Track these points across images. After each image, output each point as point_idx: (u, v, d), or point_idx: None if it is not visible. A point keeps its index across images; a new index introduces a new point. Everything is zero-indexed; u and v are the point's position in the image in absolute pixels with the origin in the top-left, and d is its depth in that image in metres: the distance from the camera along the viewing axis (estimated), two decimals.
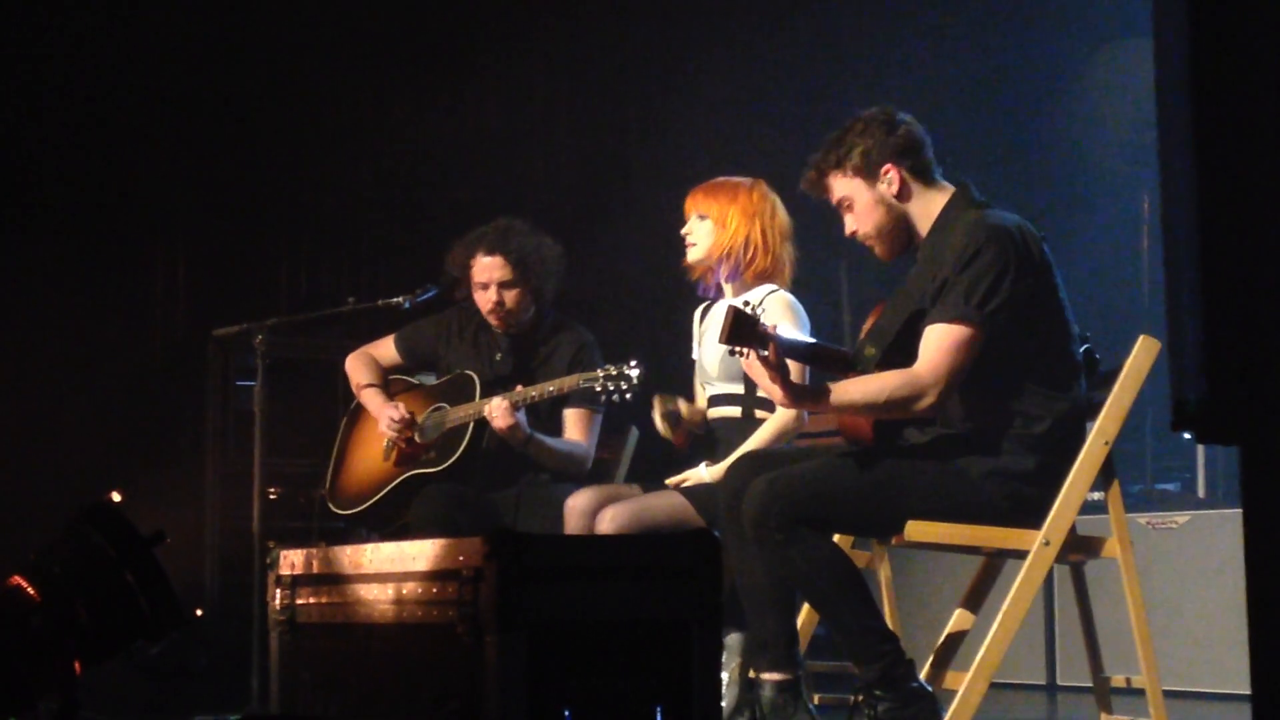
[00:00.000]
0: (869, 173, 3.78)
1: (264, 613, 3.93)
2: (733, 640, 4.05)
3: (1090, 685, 4.00)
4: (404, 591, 3.25)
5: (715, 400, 4.51)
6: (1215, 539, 5.20)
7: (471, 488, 4.75)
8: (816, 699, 3.91)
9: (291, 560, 3.71)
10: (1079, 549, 3.80)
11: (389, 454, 4.92)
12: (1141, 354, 3.71)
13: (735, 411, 4.46)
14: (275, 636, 3.75)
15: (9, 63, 6.49)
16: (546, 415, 4.84)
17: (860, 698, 3.60)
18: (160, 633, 3.44)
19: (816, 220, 4.57)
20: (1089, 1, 7.12)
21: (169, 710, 5.14)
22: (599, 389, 4.47)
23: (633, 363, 4.46)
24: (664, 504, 4.29)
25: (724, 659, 3.72)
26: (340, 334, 5.95)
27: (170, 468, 6.28)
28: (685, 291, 4.73)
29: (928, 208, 3.77)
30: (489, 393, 4.73)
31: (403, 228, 7.08)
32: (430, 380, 5.04)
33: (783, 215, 4.51)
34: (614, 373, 4.45)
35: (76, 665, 3.35)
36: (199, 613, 5.84)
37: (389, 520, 4.84)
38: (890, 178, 3.77)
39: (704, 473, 4.35)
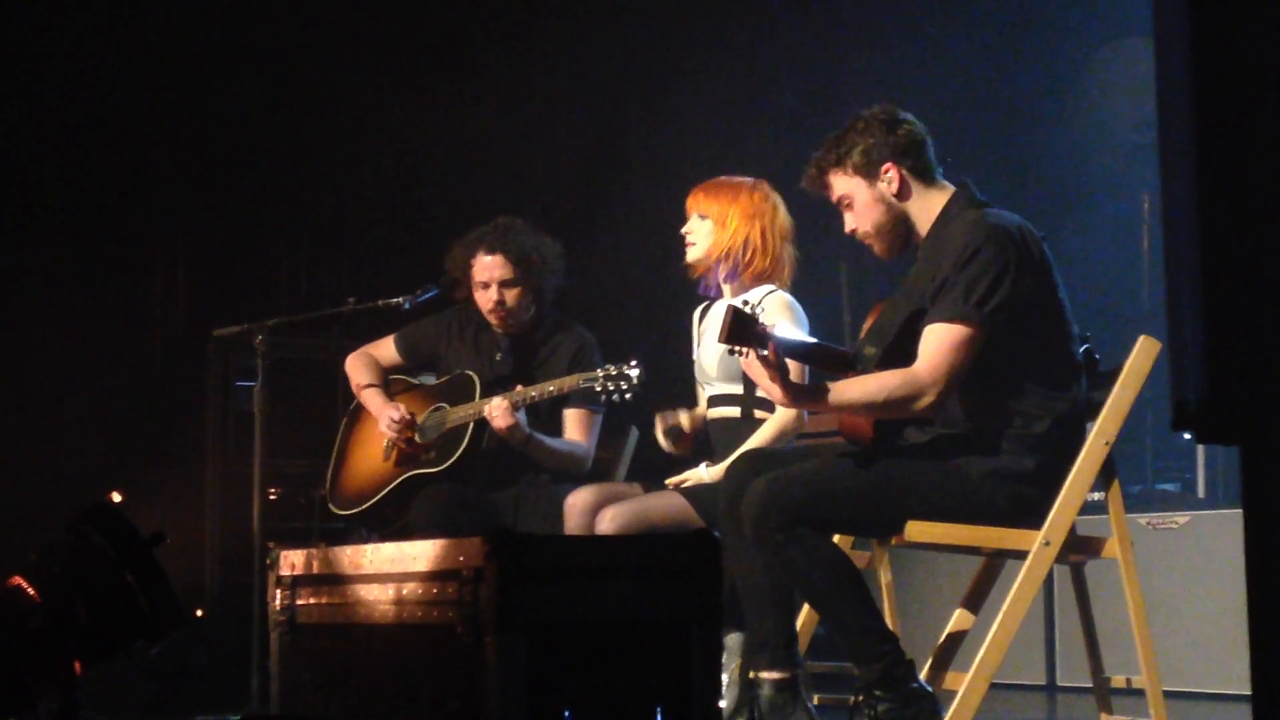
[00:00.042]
0: (869, 171, 3.78)
1: (264, 613, 3.93)
2: (732, 640, 4.05)
3: (1090, 686, 4.00)
4: (404, 592, 3.25)
5: (714, 400, 4.51)
6: (1215, 539, 5.20)
7: (471, 488, 4.75)
8: (816, 699, 3.91)
9: (292, 560, 3.71)
10: (1079, 549, 3.80)
11: (389, 454, 4.92)
12: (1141, 354, 3.71)
13: (734, 412, 4.46)
14: (275, 637, 3.75)
15: (9, 63, 6.49)
16: (547, 415, 4.84)
17: (860, 698, 3.60)
18: (160, 633, 3.44)
19: (817, 220, 4.58)
20: (1089, 1, 7.12)
21: (169, 710, 5.14)
22: (599, 389, 4.47)
23: (633, 363, 4.45)
24: (664, 504, 4.29)
25: (724, 659, 3.72)
26: (340, 334, 5.95)
27: (170, 468, 6.28)
28: (685, 291, 4.73)
29: (927, 207, 3.78)
30: (489, 393, 4.73)
31: (403, 228, 7.08)
32: (430, 380, 5.04)
33: (784, 217, 4.50)
34: (614, 373, 4.45)
35: (77, 665, 3.35)
36: (199, 613, 5.84)
37: (389, 521, 4.84)
38: (890, 177, 3.77)
39: (703, 473, 4.35)
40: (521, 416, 4.68)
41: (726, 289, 4.51)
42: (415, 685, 3.21)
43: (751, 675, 3.85)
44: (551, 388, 4.61)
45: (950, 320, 3.56)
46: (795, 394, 3.63)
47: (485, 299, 4.86)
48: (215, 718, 4.47)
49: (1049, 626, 5.66)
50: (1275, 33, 1.82)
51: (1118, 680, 3.94)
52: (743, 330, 3.51)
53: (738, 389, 4.45)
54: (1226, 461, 5.87)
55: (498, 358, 4.93)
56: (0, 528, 5.68)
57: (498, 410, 4.61)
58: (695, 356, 4.62)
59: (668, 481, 4.42)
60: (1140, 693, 3.78)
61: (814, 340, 3.80)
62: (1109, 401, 3.70)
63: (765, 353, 3.54)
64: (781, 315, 4.20)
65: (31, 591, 3.37)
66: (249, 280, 6.79)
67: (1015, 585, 3.65)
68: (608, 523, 4.22)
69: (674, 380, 5.07)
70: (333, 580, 3.53)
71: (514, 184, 7.04)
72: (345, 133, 7.10)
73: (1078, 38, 7.16)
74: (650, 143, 7.32)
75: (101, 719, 3.74)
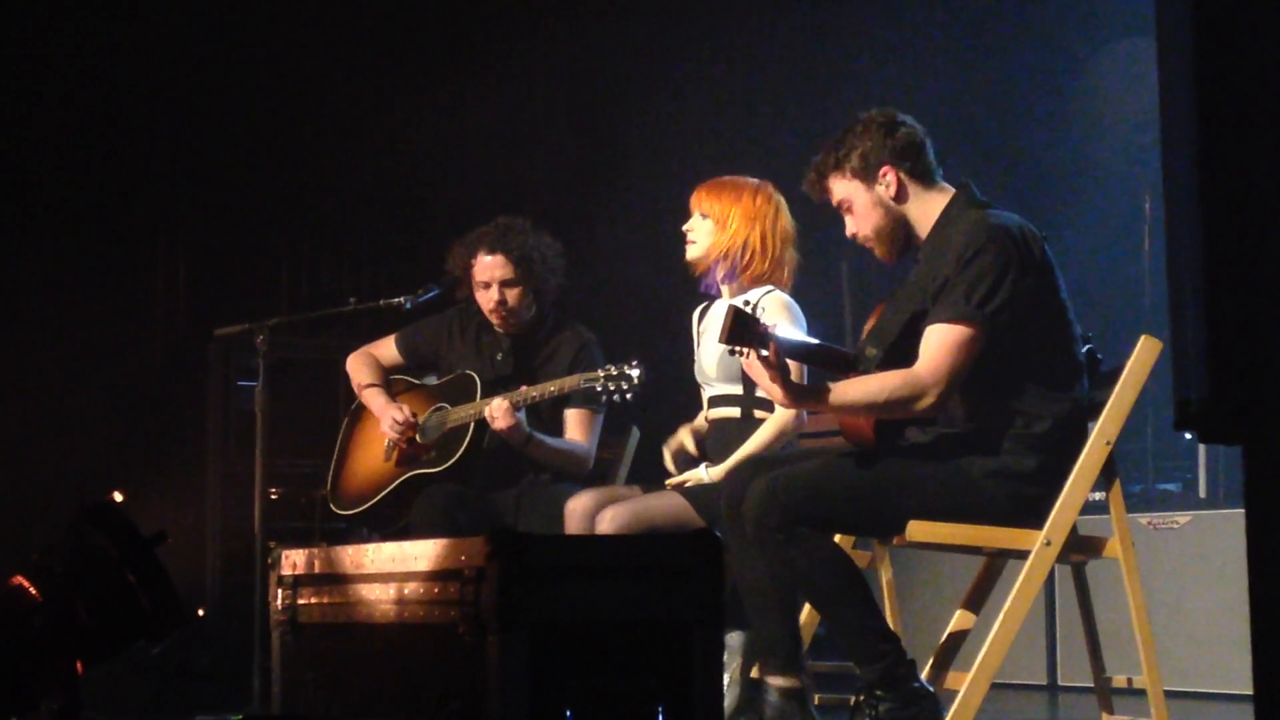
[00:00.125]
0: (867, 175, 3.78)
1: (265, 613, 3.93)
2: (734, 640, 4.05)
3: (1091, 685, 4.00)
4: (406, 591, 3.25)
5: (714, 401, 4.51)
6: (1216, 539, 5.20)
7: (472, 488, 4.75)
8: (817, 699, 3.91)
9: (293, 560, 3.71)
10: (1080, 549, 3.80)
11: (390, 454, 4.92)
12: (1143, 354, 3.71)
13: (734, 412, 4.46)
14: (277, 636, 3.75)
15: (9, 63, 6.49)
16: (548, 415, 4.84)
17: (861, 698, 3.60)
18: (162, 632, 3.44)
19: (819, 220, 4.58)
20: (1089, 1, 7.12)
21: (171, 710, 5.14)
22: (600, 389, 4.47)
23: (634, 363, 4.45)
24: (664, 504, 4.29)
25: (725, 659, 3.72)
26: (341, 334, 5.95)
27: (172, 468, 6.29)
28: (685, 291, 4.73)
29: (927, 209, 3.77)
30: (490, 393, 4.73)
31: (403, 228, 7.08)
32: (432, 381, 5.04)
33: (786, 219, 4.48)
34: (615, 373, 4.45)
35: (78, 665, 3.35)
36: (200, 613, 5.84)
37: (390, 521, 4.84)
38: (888, 180, 3.77)
39: (703, 473, 4.34)
40: (522, 417, 4.68)
41: (725, 289, 4.50)
42: (417, 685, 3.21)
43: (754, 676, 3.85)
44: (552, 388, 4.61)
45: (951, 321, 3.56)
46: (796, 394, 3.63)
47: (486, 299, 4.86)
48: (216, 717, 4.47)
49: (1050, 626, 5.67)
50: (1277, 33, 1.83)
51: (1119, 680, 3.94)
52: (743, 331, 3.51)
53: (737, 389, 4.44)
54: (1228, 461, 5.87)
55: (499, 358, 4.93)
56: (2, 527, 5.69)
57: (498, 411, 4.61)
58: (695, 357, 4.62)
59: (668, 482, 4.43)
60: (1141, 693, 3.78)
61: (815, 341, 3.80)
62: (1110, 401, 3.70)
63: (766, 353, 3.54)
64: (780, 315, 4.19)
65: (33, 591, 3.37)
66: (250, 280, 6.79)
67: (1016, 585, 3.65)
68: (607, 523, 4.22)
69: (674, 380, 5.07)
70: (334, 580, 3.54)
71: (514, 184, 7.04)
72: (345, 133, 7.10)
73: (1078, 38, 7.16)
74: (650, 142, 7.32)
75: (103, 719, 3.74)
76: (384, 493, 4.85)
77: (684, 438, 4.52)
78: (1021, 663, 5.54)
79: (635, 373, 4.43)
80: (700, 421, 4.58)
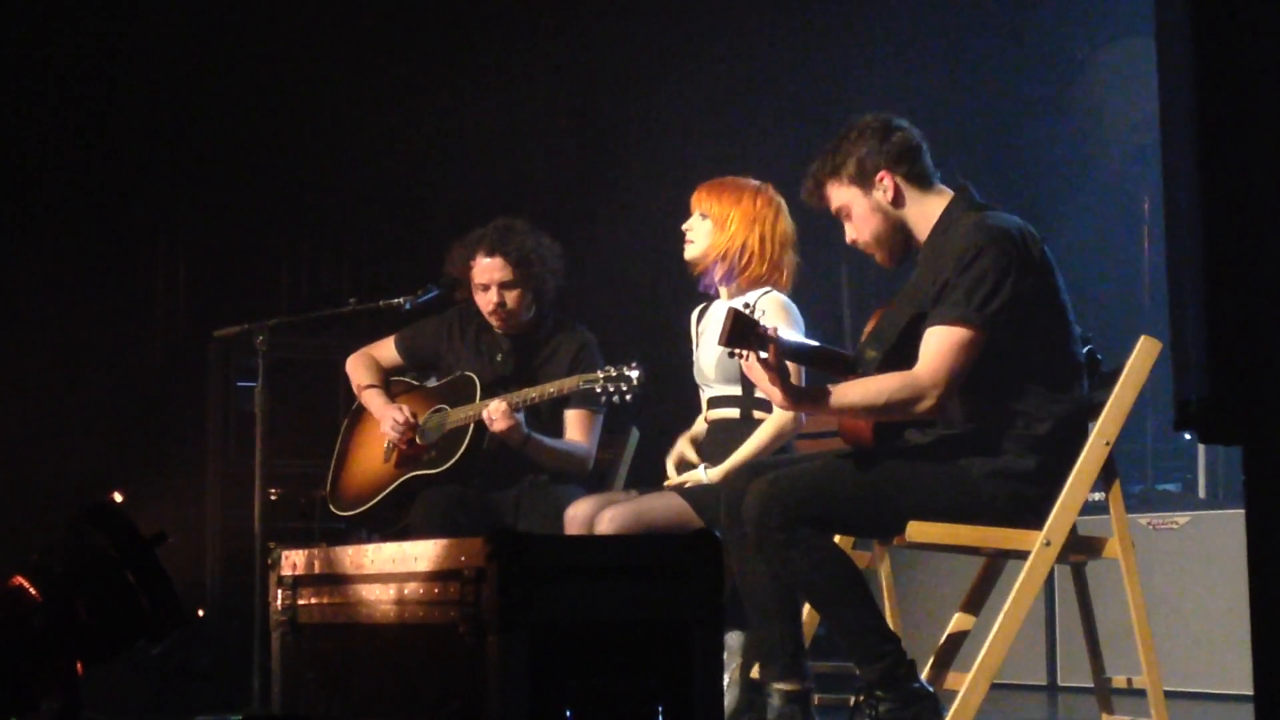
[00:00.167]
0: (864, 180, 3.78)
1: (265, 613, 3.93)
2: (734, 640, 4.05)
3: (1091, 686, 3.99)
4: (406, 592, 3.25)
5: (713, 402, 4.51)
6: (1216, 539, 5.20)
7: (472, 489, 4.75)
8: (817, 699, 3.91)
9: (293, 560, 3.72)
10: (1080, 549, 3.80)
11: (389, 455, 4.92)
12: (1142, 354, 3.71)
13: (734, 413, 4.46)
14: (277, 637, 3.75)
15: (9, 63, 6.49)
16: (547, 416, 4.84)
17: (861, 698, 3.60)
18: (162, 633, 3.44)
19: (820, 222, 4.57)
20: (1089, 2, 7.12)
21: (171, 710, 5.14)
22: (599, 390, 4.46)
23: (633, 364, 4.45)
24: (663, 505, 4.29)
25: (724, 659, 3.72)
26: (341, 334, 5.95)
27: (171, 468, 6.29)
28: (685, 291, 4.73)
29: (925, 213, 3.77)
30: (490, 394, 4.73)
31: (403, 228, 7.08)
32: (431, 382, 5.04)
33: (786, 222, 4.47)
34: (614, 374, 4.45)
35: (78, 665, 3.35)
36: (200, 613, 5.84)
37: (390, 522, 4.84)
38: (885, 185, 3.77)
39: (702, 474, 4.34)
40: (521, 418, 4.68)
41: (723, 290, 4.50)
42: (417, 685, 3.21)
43: (754, 678, 3.85)
44: (552, 389, 4.61)
45: (951, 323, 3.56)
46: (796, 396, 3.63)
47: (485, 301, 4.86)
48: (217, 718, 4.47)
49: (1050, 627, 5.66)
50: (1277, 32, 1.83)
51: (1119, 680, 3.94)
52: (743, 333, 3.51)
53: (736, 390, 4.44)
54: (1227, 462, 5.87)
55: (498, 358, 4.93)
56: (2, 527, 5.69)
57: (496, 413, 4.61)
58: (694, 358, 4.62)
59: (666, 483, 4.42)
60: (1141, 693, 3.78)
61: (814, 343, 3.79)
62: (1110, 402, 3.70)
63: (765, 355, 3.54)
64: (778, 316, 4.19)
65: (33, 591, 3.37)
66: (250, 280, 6.79)
67: (1016, 585, 3.65)
68: (606, 523, 4.22)
69: (674, 381, 5.07)
70: (334, 580, 3.54)
71: (514, 184, 7.05)
72: (345, 133, 7.10)
73: (1078, 38, 7.15)
74: (650, 142, 7.32)
75: (103, 719, 3.74)
76: (384, 494, 4.85)
77: (684, 449, 4.52)
78: (1021, 663, 5.54)
79: (635, 373, 4.43)
80: (699, 428, 4.58)
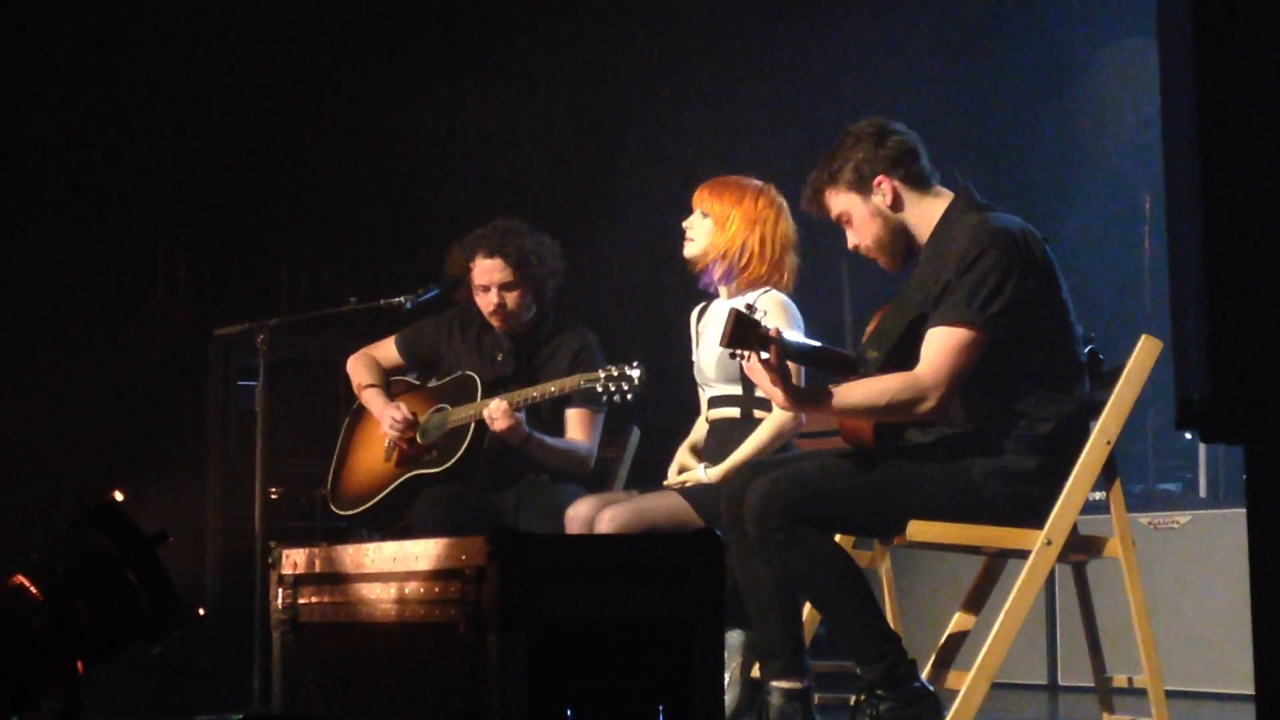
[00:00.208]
0: (862, 186, 3.78)
1: (266, 612, 3.93)
2: (734, 639, 4.05)
3: (1092, 685, 3.99)
4: (406, 591, 3.25)
5: (714, 401, 4.50)
6: (1217, 539, 5.20)
7: (473, 488, 4.75)
8: (817, 698, 3.91)
9: (294, 560, 3.71)
10: (1081, 549, 3.80)
11: (390, 455, 4.92)
12: (1143, 354, 3.71)
13: (734, 412, 4.45)
14: (277, 636, 3.75)
15: (9, 63, 6.49)
16: (548, 415, 4.84)
17: (862, 697, 3.60)
18: (162, 632, 3.44)
19: (821, 224, 4.57)
20: (1091, 2, 7.12)
21: (171, 709, 5.14)
22: (600, 389, 4.46)
23: (634, 363, 4.45)
24: (663, 504, 4.29)
25: (725, 658, 3.71)
26: (342, 333, 5.95)
27: (172, 468, 6.29)
28: (684, 291, 4.72)
29: (925, 214, 3.77)
30: (491, 393, 4.73)
31: (403, 228, 7.08)
32: (432, 381, 5.04)
33: (787, 224, 4.46)
34: (615, 373, 4.44)
35: (79, 664, 3.35)
36: (201, 612, 5.84)
37: (390, 521, 4.84)
38: (883, 189, 3.77)
39: (702, 474, 4.34)
40: (521, 417, 4.68)
41: (722, 290, 4.50)
42: (417, 684, 3.21)
43: (755, 676, 3.85)
44: (553, 388, 4.61)
45: (953, 324, 3.56)
46: (797, 397, 3.63)
47: (485, 302, 4.86)
48: (217, 717, 4.47)
49: (1051, 626, 5.66)
50: (1278, 31, 1.83)
51: (1119, 680, 3.94)
52: (745, 334, 3.51)
53: (737, 390, 4.44)
54: (1228, 461, 5.87)
55: (499, 358, 4.93)
56: (2, 527, 5.69)
57: (497, 412, 4.61)
58: (694, 358, 4.61)
59: (667, 482, 4.42)
60: (1142, 692, 3.78)
61: (816, 343, 3.79)
62: (1110, 401, 3.70)
63: (767, 356, 3.54)
64: (777, 315, 4.19)
65: (34, 590, 3.37)
66: (250, 279, 6.79)
67: (1017, 585, 3.65)
68: (607, 522, 4.21)
69: (674, 380, 5.07)
70: (335, 579, 3.54)
71: (514, 184, 7.05)
72: (345, 133, 7.10)
73: (1078, 37, 7.16)
74: (650, 142, 7.32)
75: (104, 718, 3.74)
76: (384, 493, 4.86)
77: (685, 458, 4.52)
78: (1022, 662, 5.54)
79: (636, 373, 4.43)
80: (697, 435, 4.58)
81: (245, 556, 4.97)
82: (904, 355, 3.63)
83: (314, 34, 6.88)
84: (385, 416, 4.89)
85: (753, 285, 4.42)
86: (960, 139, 6.62)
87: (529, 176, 7.18)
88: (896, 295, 3.82)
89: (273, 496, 5.85)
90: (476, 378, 4.81)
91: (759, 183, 4.49)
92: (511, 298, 4.84)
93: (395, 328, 5.15)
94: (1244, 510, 1.88)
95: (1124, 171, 6.76)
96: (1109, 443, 3.69)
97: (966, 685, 3.62)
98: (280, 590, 3.74)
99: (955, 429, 3.71)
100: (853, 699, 3.64)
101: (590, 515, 4.30)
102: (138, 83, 6.69)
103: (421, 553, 3.22)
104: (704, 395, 4.57)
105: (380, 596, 3.34)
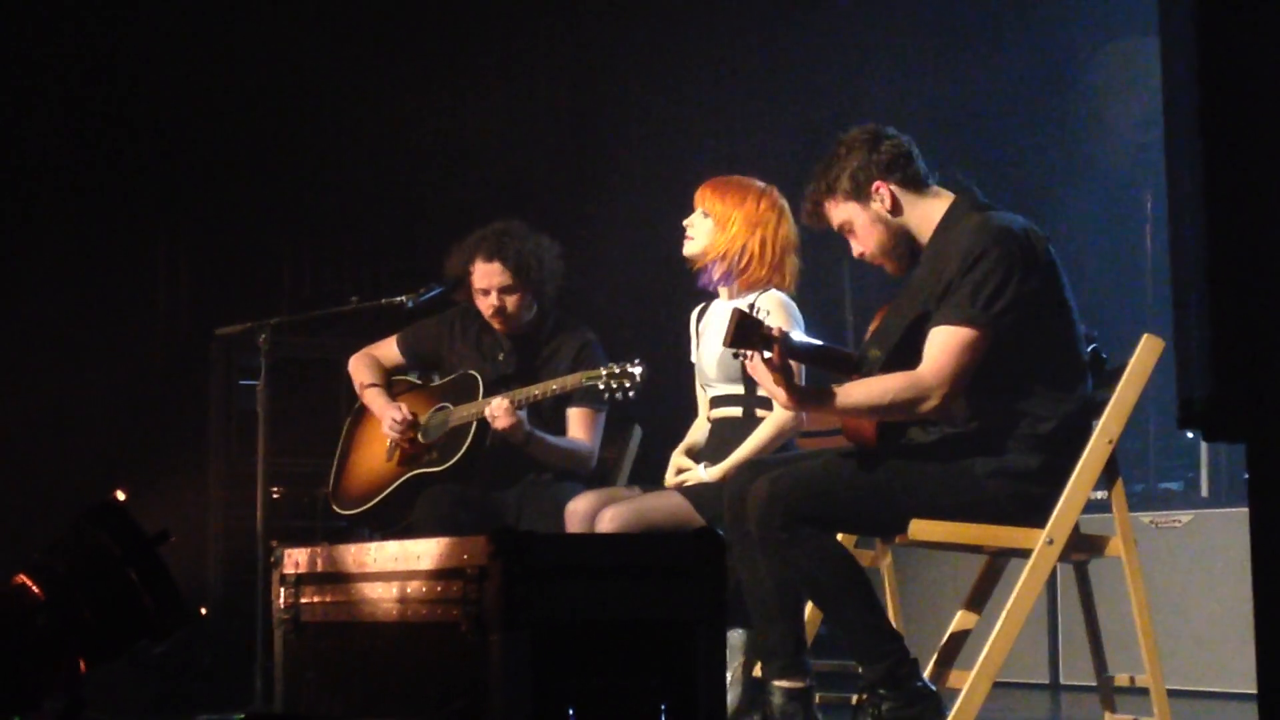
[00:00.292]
0: (860, 194, 3.77)
1: (268, 611, 3.94)
2: (736, 638, 4.05)
3: (1094, 684, 3.99)
4: (408, 590, 3.25)
5: (716, 401, 4.50)
6: (1218, 538, 5.20)
7: (474, 487, 4.75)
8: (819, 698, 3.92)
9: (296, 559, 3.72)
10: (1082, 548, 3.80)
11: (392, 454, 4.92)
12: (1145, 353, 3.71)
13: (736, 412, 4.45)
14: (279, 635, 3.75)
15: (9, 63, 6.49)
16: (550, 414, 4.83)
17: (864, 696, 3.60)
18: (165, 631, 3.44)
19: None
20: (1091, 1, 7.12)
21: (173, 709, 5.15)
22: (602, 387, 4.46)
23: (635, 361, 4.45)
24: (664, 504, 4.28)
25: (727, 657, 3.72)
26: (343, 333, 5.95)
27: (173, 467, 6.29)
28: (685, 291, 4.72)
29: (926, 216, 3.77)
30: (492, 392, 4.73)
31: (403, 227, 7.09)
32: (434, 381, 5.04)
33: (789, 226, 4.45)
34: (617, 371, 4.44)
35: (81, 664, 3.35)
36: (203, 611, 5.84)
37: (392, 521, 4.84)
38: (881, 195, 3.76)
39: (703, 473, 4.34)
40: (523, 415, 4.68)
41: (722, 291, 4.49)
42: (419, 683, 3.21)
43: (757, 675, 3.85)
44: (554, 386, 4.61)
45: (956, 323, 3.56)
46: (800, 397, 3.63)
47: (485, 305, 4.86)
48: (219, 716, 4.48)
49: (1052, 625, 5.67)
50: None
51: (1121, 679, 3.94)
52: (748, 333, 3.51)
53: (738, 389, 4.44)
54: (1230, 460, 5.87)
55: (500, 357, 4.93)
56: (4, 526, 5.70)
57: (499, 410, 4.61)
58: (694, 358, 4.61)
59: (668, 482, 4.42)
60: (1144, 691, 3.78)
61: (818, 342, 3.79)
62: (1112, 400, 3.70)
63: (770, 355, 3.54)
64: (778, 315, 4.18)
65: (36, 590, 3.37)
66: (252, 279, 6.80)
67: (1019, 584, 3.65)
68: (607, 522, 4.21)
69: (674, 380, 5.07)
70: (337, 579, 3.54)
71: (514, 184, 7.05)
72: (345, 133, 7.10)
73: (1081, 36, 7.16)
74: (650, 142, 7.32)
75: (106, 718, 3.75)
76: (386, 492, 4.85)
77: (680, 461, 4.51)
78: (1024, 661, 5.54)
79: (637, 371, 4.43)
80: (693, 438, 4.57)
81: (247, 556, 4.97)
82: (906, 355, 3.63)
83: (314, 34, 6.88)
84: (386, 416, 4.89)
85: (752, 287, 4.41)
86: (960, 139, 6.62)
87: (529, 176, 7.18)
88: (898, 294, 3.82)
89: (274, 496, 5.85)
90: (478, 377, 4.81)
91: (762, 184, 4.47)
92: (511, 301, 4.84)
93: (396, 327, 5.15)
94: (1246, 509, 1.88)
95: (1125, 170, 6.76)
96: (1111, 442, 3.69)
97: (968, 684, 3.62)
98: (282, 590, 3.74)
99: (957, 428, 3.71)
100: (855, 698, 3.64)
101: (590, 511, 4.30)
102: (138, 83, 6.69)
103: (423, 552, 3.22)
104: (704, 396, 4.57)
105: (382, 596, 3.34)
